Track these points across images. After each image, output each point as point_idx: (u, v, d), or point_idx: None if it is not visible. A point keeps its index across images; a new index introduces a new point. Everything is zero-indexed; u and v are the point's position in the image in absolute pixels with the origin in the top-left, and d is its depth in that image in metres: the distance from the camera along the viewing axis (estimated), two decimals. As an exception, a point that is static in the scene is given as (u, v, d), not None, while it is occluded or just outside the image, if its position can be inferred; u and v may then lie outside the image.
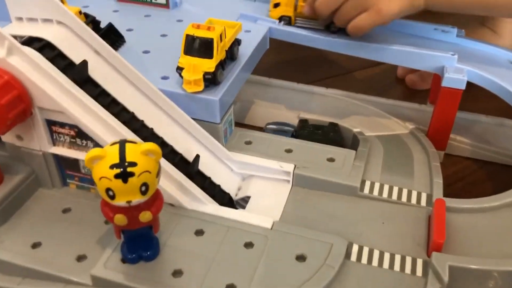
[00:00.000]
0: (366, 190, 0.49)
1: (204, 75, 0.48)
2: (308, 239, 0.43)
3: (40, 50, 0.44)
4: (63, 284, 0.41)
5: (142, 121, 0.48)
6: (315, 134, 0.58)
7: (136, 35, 0.60)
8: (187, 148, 0.49)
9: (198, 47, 0.49)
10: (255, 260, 0.42)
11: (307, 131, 0.59)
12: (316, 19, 0.61)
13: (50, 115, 0.45)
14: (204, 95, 0.49)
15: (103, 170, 0.35)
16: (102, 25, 0.57)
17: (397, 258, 0.43)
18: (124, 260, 0.41)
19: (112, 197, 0.35)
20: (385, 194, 0.49)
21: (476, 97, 0.60)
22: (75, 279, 0.41)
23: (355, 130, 0.59)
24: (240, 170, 0.52)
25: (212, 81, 0.50)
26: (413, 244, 0.44)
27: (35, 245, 0.44)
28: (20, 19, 0.47)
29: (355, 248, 0.43)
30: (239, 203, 0.50)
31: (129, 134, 0.45)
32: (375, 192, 0.49)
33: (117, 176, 0.34)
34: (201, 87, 0.49)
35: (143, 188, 0.36)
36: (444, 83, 0.54)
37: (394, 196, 0.49)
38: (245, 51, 0.56)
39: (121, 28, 0.58)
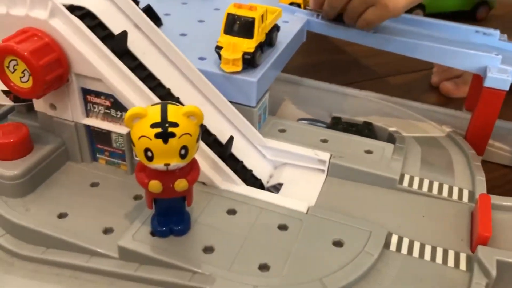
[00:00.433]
0: (405, 183, 0.47)
1: (243, 55, 0.47)
2: (346, 226, 0.41)
3: (80, 18, 0.44)
4: (88, 256, 0.40)
5: (178, 98, 0.46)
6: (349, 131, 0.56)
7: (173, 19, 0.59)
8: (220, 129, 0.48)
9: (238, 26, 0.48)
10: (289, 242, 0.40)
11: (340, 126, 0.57)
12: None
13: (86, 83, 0.44)
14: (241, 76, 0.48)
15: (143, 129, 0.33)
16: (140, 7, 0.57)
17: (439, 251, 0.41)
18: (153, 233, 0.39)
19: (151, 158, 0.34)
20: (425, 188, 0.47)
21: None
22: (101, 251, 0.39)
23: (391, 129, 0.57)
24: (273, 157, 0.50)
25: (251, 63, 0.48)
26: (456, 239, 0.42)
27: (61, 215, 0.42)
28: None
29: (394, 238, 0.41)
30: (270, 191, 0.48)
31: (165, 107, 0.43)
32: (415, 186, 0.47)
33: (157, 136, 0.33)
34: (240, 67, 0.48)
35: (183, 151, 0.34)
36: (487, 83, 0.52)
37: (435, 191, 0.47)
38: (283, 39, 0.55)
39: (158, 12, 0.57)
